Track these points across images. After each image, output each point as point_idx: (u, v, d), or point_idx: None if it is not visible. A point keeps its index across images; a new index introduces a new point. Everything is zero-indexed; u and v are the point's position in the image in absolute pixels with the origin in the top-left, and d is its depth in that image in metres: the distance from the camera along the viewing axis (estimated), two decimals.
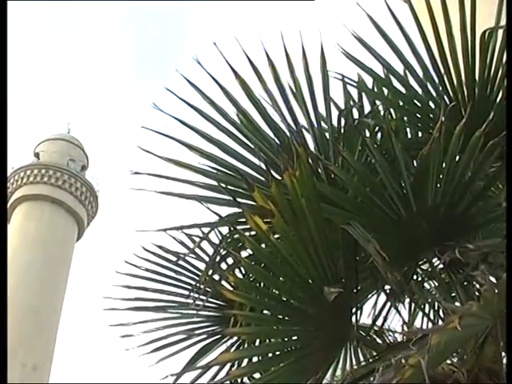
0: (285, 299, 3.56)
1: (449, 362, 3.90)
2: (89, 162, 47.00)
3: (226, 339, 4.46)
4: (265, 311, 3.68)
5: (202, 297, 4.39)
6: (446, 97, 4.14)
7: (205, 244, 4.53)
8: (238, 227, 3.89)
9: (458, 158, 3.75)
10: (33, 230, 39.82)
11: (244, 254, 3.97)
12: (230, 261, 4.32)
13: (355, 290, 3.65)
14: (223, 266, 4.32)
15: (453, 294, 3.81)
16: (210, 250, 4.38)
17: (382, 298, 4.26)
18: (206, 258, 4.44)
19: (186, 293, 4.51)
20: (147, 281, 4.64)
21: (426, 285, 4.45)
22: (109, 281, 4.68)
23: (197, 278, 4.47)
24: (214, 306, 4.48)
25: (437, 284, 4.24)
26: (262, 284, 3.73)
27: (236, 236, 4.03)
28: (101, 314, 4.75)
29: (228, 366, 4.17)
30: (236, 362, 4.06)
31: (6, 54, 4.75)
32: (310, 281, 3.40)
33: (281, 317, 3.63)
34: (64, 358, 45.25)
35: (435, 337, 2.71)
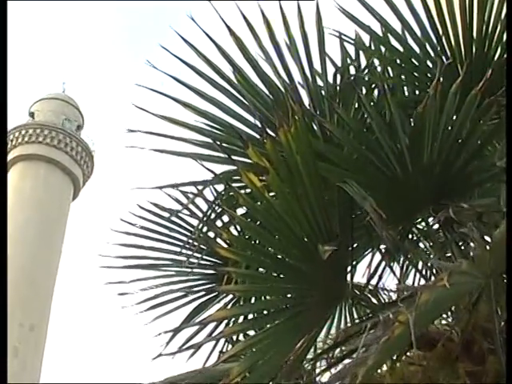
0: (279, 257, 3.55)
1: (444, 321, 3.94)
2: (84, 122, 46.79)
3: (221, 297, 4.48)
4: (259, 269, 3.68)
5: (197, 254, 4.39)
6: (443, 56, 4.11)
7: (201, 202, 4.53)
8: (233, 185, 3.87)
9: (454, 116, 3.72)
10: (28, 190, 39.77)
11: (239, 211, 3.97)
12: (225, 219, 4.32)
13: (350, 249, 3.65)
14: (218, 223, 4.32)
15: (448, 254, 3.82)
16: (205, 208, 4.37)
17: (377, 257, 4.28)
18: (201, 216, 4.44)
19: (182, 250, 4.52)
20: (143, 239, 4.64)
21: (421, 245, 4.45)
22: (105, 239, 4.69)
23: (192, 236, 4.48)
24: (209, 263, 4.49)
25: (432, 244, 4.24)
26: (256, 241, 3.72)
27: (231, 194, 4.02)
28: (97, 272, 4.76)
29: (224, 323, 4.19)
30: (232, 320, 4.08)
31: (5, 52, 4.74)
32: (305, 238, 3.40)
33: (275, 274, 3.63)
34: (60, 318, 45.58)
35: (424, 294, 2.70)
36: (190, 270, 4.46)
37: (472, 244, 3.57)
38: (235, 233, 4.20)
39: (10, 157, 40.62)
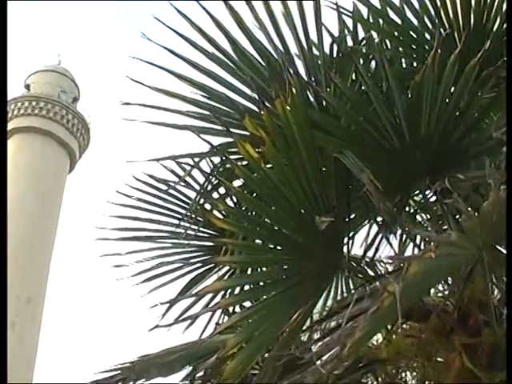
0: (276, 228, 3.54)
1: (440, 294, 3.94)
2: (80, 94, 46.61)
3: (217, 269, 4.48)
4: (256, 240, 3.67)
5: (193, 226, 4.39)
6: (441, 28, 4.08)
7: (197, 175, 4.52)
8: (230, 157, 3.86)
9: (452, 88, 3.70)
10: (24, 163, 39.72)
11: (235, 184, 3.95)
12: (221, 191, 4.31)
13: (347, 220, 3.64)
14: (214, 196, 4.31)
15: (445, 227, 3.81)
16: (202, 180, 4.36)
17: (374, 229, 4.28)
18: (198, 188, 4.43)
19: (178, 222, 4.51)
20: (139, 211, 4.64)
21: (417, 217, 4.45)
22: (101, 211, 4.68)
23: (189, 208, 4.47)
24: (205, 235, 4.49)
25: (429, 216, 4.24)
26: (253, 213, 3.72)
27: (227, 166, 4.01)
28: (93, 244, 4.76)
29: (220, 295, 4.20)
30: (228, 292, 4.09)
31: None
32: (302, 210, 3.39)
33: (272, 246, 3.62)
34: (57, 291, 45.72)
35: (413, 266, 2.69)
36: (186, 241, 4.46)
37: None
38: (232, 205, 4.20)
39: None
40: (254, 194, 3.59)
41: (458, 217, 3.96)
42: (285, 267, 3.60)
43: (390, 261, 3.84)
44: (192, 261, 4.60)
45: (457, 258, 2.92)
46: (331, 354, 2.82)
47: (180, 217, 4.53)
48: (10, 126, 40.92)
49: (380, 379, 4.07)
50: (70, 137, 42.71)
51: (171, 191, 4.61)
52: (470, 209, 3.05)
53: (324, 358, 2.95)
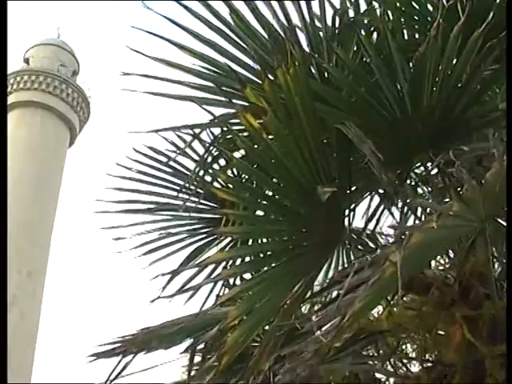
0: (277, 199, 3.53)
1: (441, 267, 3.94)
2: (80, 68, 46.39)
3: (218, 241, 4.47)
4: (257, 211, 3.66)
5: (193, 198, 4.37)
6: (444, 0, 4.04)
7: (198, 147, 4.50)
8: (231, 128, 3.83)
9: (454, 60, 3.67)
10: (24, 138, 39.65)
11: (236, 156, 3.93)
12: (221, 163, 4.28)
13: (348, 192, 3.63)
14: (215, 167, 4.28)
15: (446, 200, 3.80)
16: (202, 152, 4.33)
17: (375, 202, 4.27)
18: (198, 160, 4.41)
19: (178, 195, 4.50)
20: (139, 183, 4.61)
21: (419, 190, 4.44)
22: (101, 184, 4.66)
23: (189, 180, 4.45)
24: (206, 207, 4.47)
25: (430, 189, 4.23)
26: (254, 184, 3.70)
27: (228, 137, 3.98)
28: (93, 217, 4.74)
29: (221, 267, 4.19)
30: (229, 263, 4.08)
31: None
32: (303, 181, 3.37)
33: (273, 217, 3.61)
34: (58, 264, 45.82)
35: (415, 236, 2.67)
36: (186, 214, 4.44)
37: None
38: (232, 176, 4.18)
39: None
40: (255, 166, 3.56)
41: (459, 189, 3.96)
42: (286, 238, 3.60)
43: (392, 230, 3.84)
44: (193, 233, 4.59)
45: (459, 230, 2.91)
46: (331, 324, 2.81)
47: (180, 189, 4.51)
48: (10, 100, 40.76)
49: (381, 351, 4.08)
50: (69, 111, 42.59)
51: (171, 163, 4.58)
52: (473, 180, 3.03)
53: (324, 328, 2.94)
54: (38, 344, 37.94)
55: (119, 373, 4.06)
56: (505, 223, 3.11)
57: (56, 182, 41.26)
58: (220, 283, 4.51)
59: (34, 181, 38.56)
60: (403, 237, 3.03)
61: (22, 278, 35.73)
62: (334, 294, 3.74)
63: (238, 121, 3.59)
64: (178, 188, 4.54)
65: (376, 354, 4.12)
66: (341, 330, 2.74)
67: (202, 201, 4.40)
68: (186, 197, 4.45)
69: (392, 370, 4.03)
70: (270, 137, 3.40)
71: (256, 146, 3.43)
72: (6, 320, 4.77)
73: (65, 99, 42.30)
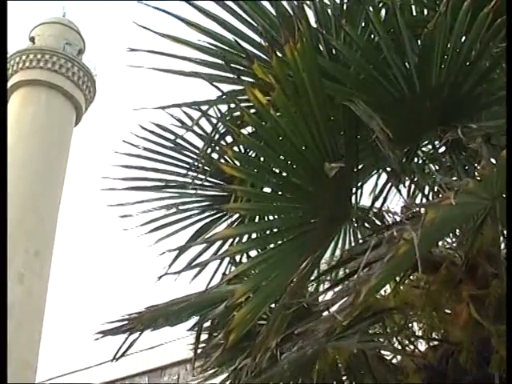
0: (285, 176, 3.51)
1: (448, 246, 3.93)
2: (85, 46, 46.20)
3: (225, 218, 4.46)
4: (265, 188, 3.64)
5: (201, 176, 4.36)
6: None
7: (205, 124, 4.47)
8: (239, 104, 3.81)
9: (463, 37, 3.64)
10: (30, 116, 39.55)
11: (244, 132, 3.91)
12: (228, 140, 4.26)
13: (355, 169, 3.61)
14: (222, 144, 4.26)
15: (454, 178, 3.79)
16: (210, 130, 4.32)
17: (382, 180, 4.25)
18: (205, 137, 4.39)
19: (185, 172, 4.48)
20: (146, 160, 4.59)
21: (426, 169, 4.42)
22: (107, 162, 4.64)
23: (196, 157, 4.43)
24: (213, 185, 4.46)
25: (438, 167, 4.21)
26: (261, 161, 3.68)
27: (235, 114, 3.96)
28: (100, 195, 4.73)
29: (228, 244, 4.18)
30: (236, 240, 4.07)
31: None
32: (311, 158, 3.35)
33: (281, 193, 3.59)
34: (65, 243, 45.94)
35: (430, 213, 2.64)
36: (193, 191, 4.43)
37: (478, 166, 3.53)
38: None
39: (10, 82, 40.28)
40: (263, 143, 3.54)
41: (467, 168, 3.94)
42: (293, 216, 3.58)
43: (399, 209, 3.82)
44: (200, 210, 4.58)
45: (472, 207, 2.88)
46: (344, 301, 2.79)
47: (187, 166, 4.49)
48: (16, 79, 40.68)
49: (388, 329, 4.08)
50: (75, 89, 42.45)
51: (178, 140, 4.56)
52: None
53: (336, 306, 2.93)
54: (45, 321, 38.13)
55: (126, 350, 4.08)
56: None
57: (62, 161, 41.23)
58: (226, 262, 4.51)
59: (40, 159, 38.53)
60: (409, 215, 3.03)
61: (29, 256, 35.78)
62: (341, 272, 3.75)
63: (245, 97, 3.57)
64: (185, 165, 4.52)
65: (383, 332, 4.13)
66: (354, 307, 2.72)
67: (209, 178, 4.38)
68: (193, 174, 4.43)
69: (399, 347, 4.04)
70: (278, 114, 3.38)
71: (263, 123, 3.40)
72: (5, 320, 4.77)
73: (70, 78, 42.15)
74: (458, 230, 3.86)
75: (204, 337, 4.43)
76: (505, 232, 3.73)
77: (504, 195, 2.98)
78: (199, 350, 4.47)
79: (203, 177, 4.34)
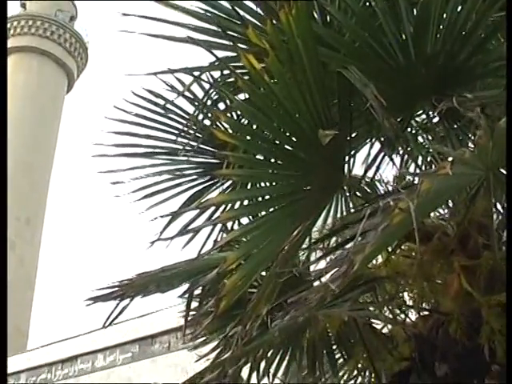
0: (278, 143, 3.49)
1: (440, 216, 3.93)
2: (77, 12, 45.90)
3: (217, 185, 4.43)
4: (257, 155, 3.62)
5: (192, 142, 4.33)
6: None
7: (197, 91, 4.44)
8: (232, 70, 3.77)
9: (460, 7, 3.61)
10: (21, 83, 39.41)
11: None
12: (221, 107, 4.23)
13: (349, 137, 3.59)
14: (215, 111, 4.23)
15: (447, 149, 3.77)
16: (201, 96, 4.28)
17: (375, 149, 4.24)
18: (198, 104, 4.36)
19: (177, 139, 4.45)
20: (138, 127, 4.55)
21: (420, 139, 4.41)
22: (99, 129, 4.60)
23: (188, 124, 4.40)
24: (205, 151, 4.43)
25: (431, 138, 4.20)
26: (254, 127, 3.66)
27: (228, 81, 3.93)
28: (91, 162, 4.70)
29: (220, 211, 4.17)
30: (228, 207, 4.06)
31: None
32: (304, 125, 3.33)
33: (273, 160, 3.57)
34: (56, 210, 45.96)
35: (426, 182, 2.62)
36: (185, 158, 4.40)
37: (472, 137, 3.52)
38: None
39: None
40: (256, 109, 3.51)
41: (461, 138, 3.93)
42: (285, 183, 3.56)
43: (391, 178, 3.82)
44: (192, 177, 4.56)
45: (467, 178, 2.86)
46: (337, 271, 2.78)
47: (179, 133, 4.46)
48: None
49: (379, 298, 4.09)
50: (67, 56, 42.26)
51: (170, 107, 4.52)
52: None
53: (328, 275, 2.92)
54: (36, 289, 38.26)
55: (117, 316, 4.08)
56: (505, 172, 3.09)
57: (54, 128, 41.14)
58: (218, 229, 4.50)
59: (31, 126, 38.44)
60: (398, 186, 3.01)
61: (20, 224, 35.85)
62: (333, 241, 3.74)
63: (239, 64, 3.53)
64: (177, 132, 4.49)
65: (374, 301, 4.14)
66: (347, 276, 2.71)
67: (201, 145, 4.35)
68: (185, 141, 4.40)
69: (390, 316, 4.05)
70: (272, 81, 3.35)
71: (257, 89, 3.37)
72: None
73: (62, 44, 41.94)
74: (450, 201, 3.86)
75: (195, 305, 4.43)
76: (497, 205, 3.75)
77: (499, 168, 2.98)
78: (190, 318, 4.48)
79: (195, 143, 4.31)
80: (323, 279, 3.12)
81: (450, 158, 2.81)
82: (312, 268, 4.15)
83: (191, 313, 4.49)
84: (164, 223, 4.23)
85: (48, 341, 27.68)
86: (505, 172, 3.11)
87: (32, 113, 38.78)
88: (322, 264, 3.14)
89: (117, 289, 4.10)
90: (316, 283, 3.78)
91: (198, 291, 4.36)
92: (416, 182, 2.79)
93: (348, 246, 2.84)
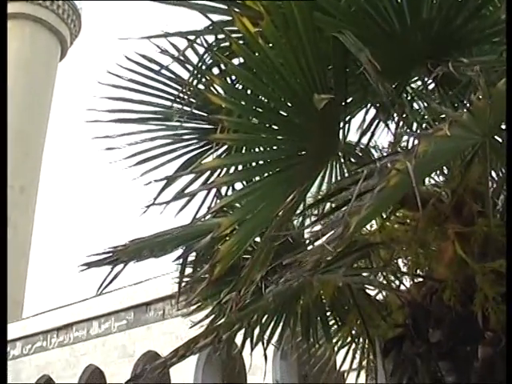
0: (273, 108, 3.46)
1: (435, 183, 3.92)
2: None
3: (212, 151, 4.40)
4: (252, 120, 3.59)
5: (187, 108, 4.29)
6: None
7: (192, 56, 4.39)
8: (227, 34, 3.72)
9: None
10: (14, 51, 39.05)
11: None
12: (215, 72, 4.19)
13: (344, 103, 3.56)
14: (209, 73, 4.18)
15: (442, 116, 3.75)
16: (196, 61, 4.23)
17: (370, 115, 4.21)
18: (192, 68, 4.31)
19: (171, 104, 4.41)
20: (131, 92, 4.51)
21: (415, 106, 4.39)
22: (92, 95, 4.55)
23: (182, 89, 4.35)
24: (199, 117, 4.40)
25: (426, 105, 4.17)
26: (249, 92, 3.62)
27: (223, 46, 3.89)
28: (85, 128, 4.66)
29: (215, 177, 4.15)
30: (223, 172, 4.04)
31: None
32: (299, 90, 3.30)
33: (268, 125, 3.54)
34: (50, 178, 45.94)
35: (423, 144, 2.59)
36: (179, 123, 4.36)
37: (467, 103, 3.49)
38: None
39: None
40: (250, 73, 3.48)
41: (456, 105, 3.91)
42: (280, 148, 3.55)
43: (386, 145, 3.81)
44: (186, 143, 4.53)
45: (463, 142, 2.83)
46: (333, 233, 2.76)
47: (173, 98, 4.42)
48: None
49: (374, 264, 4.10)
50: (60, 23, 41.91)
51: (165, 72, 4.47)
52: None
53: (324, 238, 2.90)
54: (31, 257, 38.30)
55: (111, 281, 4.08)
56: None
57: (47, 96, 40.93)
58: (212, 195, 4.49)
59: (25, 94, 38.22)
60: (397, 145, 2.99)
61: (14, 193, 35.76)
62: (327, 207, 3.73)
63: (234, 29, 3.49)
64: (171, 98, 4.45)
65: (369, 267, 4.15)
66: (343, 239, 2.69)
67: (195, 110, 4.32)
68: (179, 106, 4.36)
69: (384, 283, 4.06)
70: (267, 46, 3.31)
71: (252, 53, 3.33)
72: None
73: (55, 11, 41.57)
74: (445, 168, 3.85)
75: (189, 271, 4.43)
76: (492, 172, 3.74)
77: (495, 134, 2.96)
78: (184, 284, 4.48)
79: (189, 109, 4.27)
80: (319, 242, 3.09)
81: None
82: (307, 233, 4.15)
83: (185, 279, 4.49)
84: (158, 189, 4.21)
85: (43, 309, 27.79)
86: (500, 140, 3.11)
87: (25, 81, 38.54)
88: (317, 228, 3.12)
89: (110, 254, 4.10)
90: (311, 247, 3.77)
91: (191, 257, 4.36)
92: (412, 136, 2.76)
93: (344, 208, 2.80)
